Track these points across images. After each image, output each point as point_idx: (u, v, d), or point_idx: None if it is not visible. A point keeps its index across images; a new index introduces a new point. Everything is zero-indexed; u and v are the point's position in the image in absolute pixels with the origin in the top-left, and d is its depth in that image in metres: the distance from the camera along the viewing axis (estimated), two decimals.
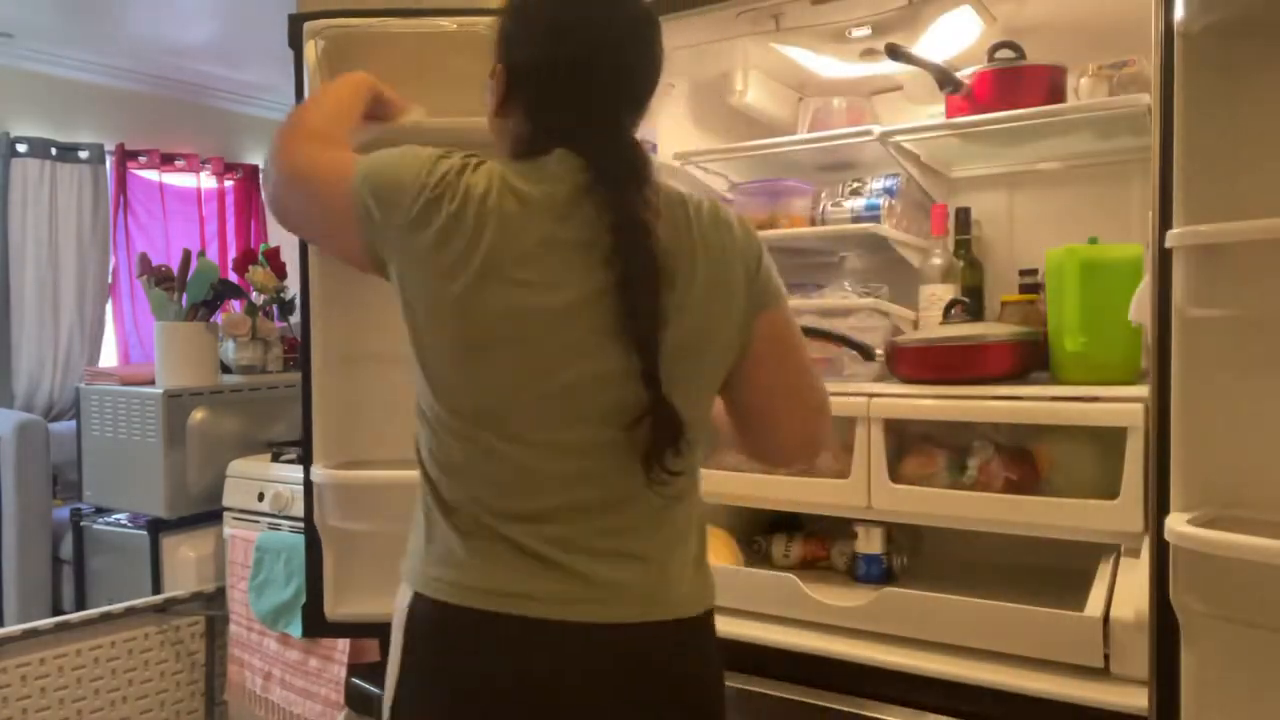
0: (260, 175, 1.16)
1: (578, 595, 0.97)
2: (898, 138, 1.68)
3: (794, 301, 1.74)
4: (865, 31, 1.65)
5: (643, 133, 1.58)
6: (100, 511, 2.83)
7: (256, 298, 2.99)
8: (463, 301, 0.95)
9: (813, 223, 1.77)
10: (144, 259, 2.85)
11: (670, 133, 1.89)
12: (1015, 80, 1.58)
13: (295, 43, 1.63)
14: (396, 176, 0.98)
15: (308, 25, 1.59)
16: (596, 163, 0.97)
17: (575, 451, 0.97)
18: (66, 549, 3.01)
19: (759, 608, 1.50)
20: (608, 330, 0.94)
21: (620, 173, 0.97)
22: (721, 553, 1.65)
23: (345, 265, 1.10)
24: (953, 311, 1.59)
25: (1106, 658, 1.24)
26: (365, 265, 1.04)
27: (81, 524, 2.86)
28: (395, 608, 1.05)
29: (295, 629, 2.26)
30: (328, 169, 1.05)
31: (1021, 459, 1.47)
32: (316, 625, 1.69)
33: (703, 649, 1.05)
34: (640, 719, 0.99)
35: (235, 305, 3.05)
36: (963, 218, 1.78)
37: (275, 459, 2.53)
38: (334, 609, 1.67)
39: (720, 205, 1.06)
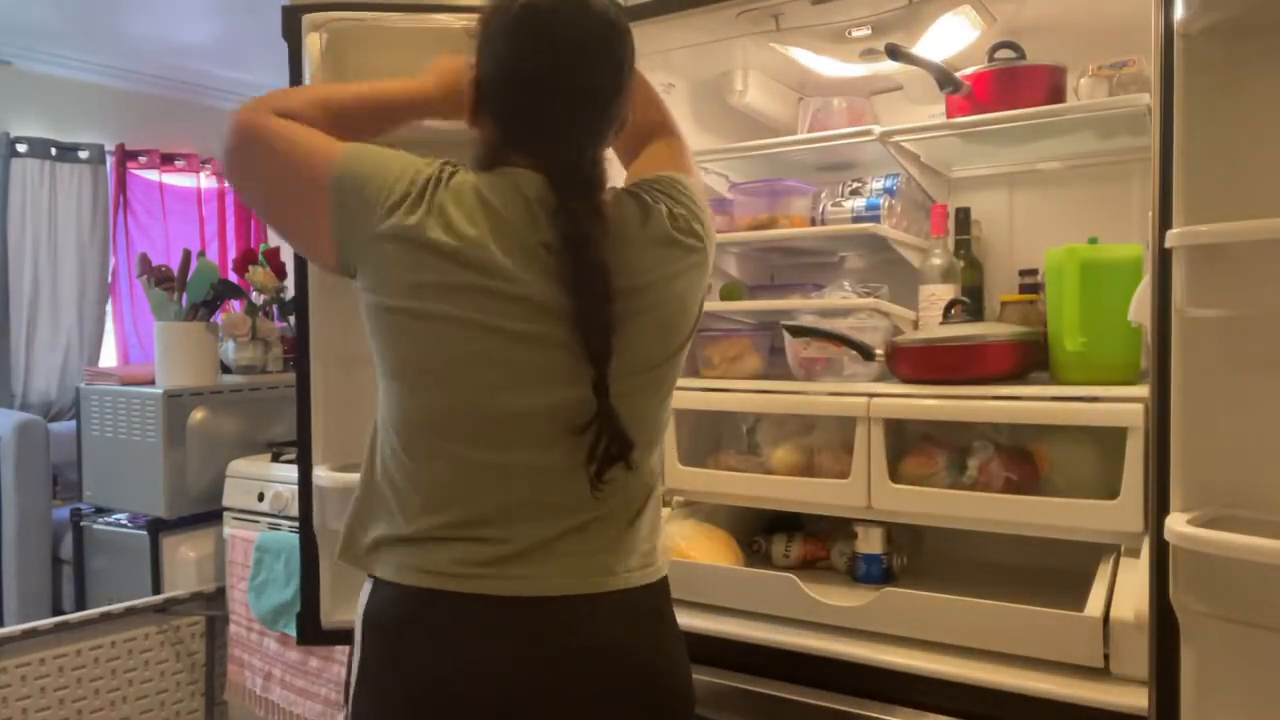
0: (226, 135, 1.03)
1: (515, 574, 1.02)
2: (898, 138, 1.68)
3: (794, 302, 1.76)
4: (865, 31, 1.65)
5: None
6: (100, 511, 2.83)
7: (256, 298, 2.99)
8: (426, 315, 0.98)
9: (813, 223, 1.77)
10: (144, 259, 2.85)
11: None
12: (1015, 80, 1.58)
13: (291, 35, 1.61)
14: (374, 178, 0.99)
15: (308, 18, 1.57)
16: (553, 171, 1.01)
17: (521, 464, 1.01)
18: (66, 549, 3.01)
19: (759, 608, 1.50)
20: (561, 350, 0.98)
21: (576, 182, 1.00)
22: (721, 553, 1.65)
23: None
24: (953, 311, 1.59)
25: (1106, 658, 1.24)
26: (330, 261, 1.04)
27: (81, 524, 2.86)
28: (356, 609, 1.09)
29: (295, 629, 2.26)
30: (309, 142, 1.02)
31: (1021, 459, 1.47)
32: (311, 633, 1.65)
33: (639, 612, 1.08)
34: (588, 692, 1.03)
35: (235, 305, 3.05)
36: (963, 218, 1.78)
37: (275, 459, 2.53)
38: (330, 616, 1.65)
39: (678, 215, 1.08)
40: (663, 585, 1.13)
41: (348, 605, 1.65)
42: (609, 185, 1.07)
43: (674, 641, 1.12)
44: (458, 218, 0.98)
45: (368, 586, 1.08)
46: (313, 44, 1.57)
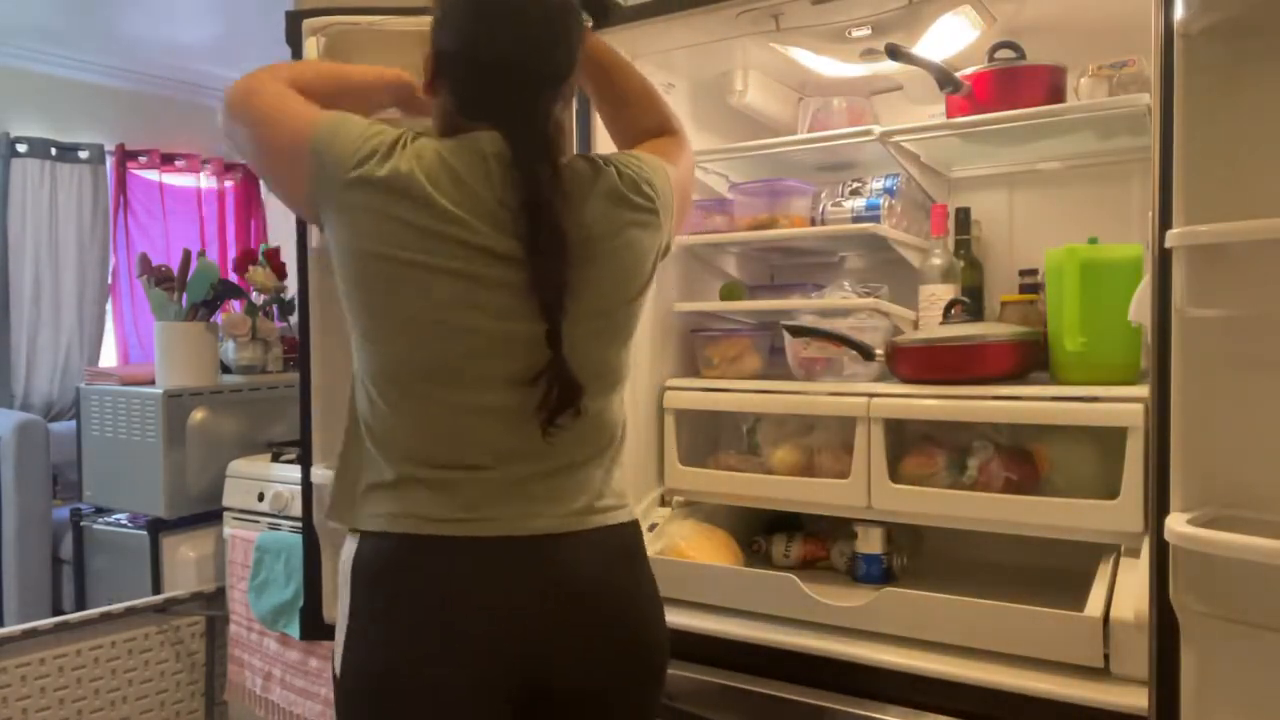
0: (233, 88, 1.15)
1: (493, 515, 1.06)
2: (898, 138, 1.67)
3: (794, 302, 1.76)
4: (865, 31, 1.65)
5: None
6: (100, 511, 2.83)
7: (256, 298, 2.99)
8: (391, 259, 1.03)
9: (813, 223, 1.77)
10: (144, 259, 2.85)
11: None
12: (1015, 80, 1.58)
13: (293, 40, 1.62)
14: (347, 137, 1.06)
15: (307, 22, 1.58)
16: (511, 140, 1.06)
17: (490, 407, 1.06)
18: (66, 549, 3.01)
19: (759, 608, 1.50)
20: (519, 295, 1.03)
21: (533, 151, 1.05)
22: (721, 553, 1.65)
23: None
24: (953, 311, 1.59)
25: (1106, 658, 1.24)
26: (304, 210, 1.13)
27: (81, 524, 2.86)
28: (339, 565, 1.11)
29: (295, 629, 2.26)
30: (295, 112, 1.10)
31: (1021, 459, 1.47)
32: (314, 628, 1.69)
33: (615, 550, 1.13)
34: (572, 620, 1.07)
35: (235, 305, 3.05)
36: (963, 218, 1.78)
37: (275, 459, 2.53)
38: (332, 611, 1.67)
39: (625, 175, 1.13)
40: (636, 526, 1.17)
41: None
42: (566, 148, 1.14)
43: (650, 579, 1.17)
44: (419, 171, 1.03)
45: (351, 542, 1.10)
46: (309, 49, 1.58)
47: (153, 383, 2.64)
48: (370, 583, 1.06)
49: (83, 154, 3.99)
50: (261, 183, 4.65)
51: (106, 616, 2.36)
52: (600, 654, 1.09)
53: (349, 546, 1.10)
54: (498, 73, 1.08)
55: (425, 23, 1.55)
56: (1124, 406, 1.33)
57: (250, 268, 2.96)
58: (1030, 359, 1.50)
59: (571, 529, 1.08)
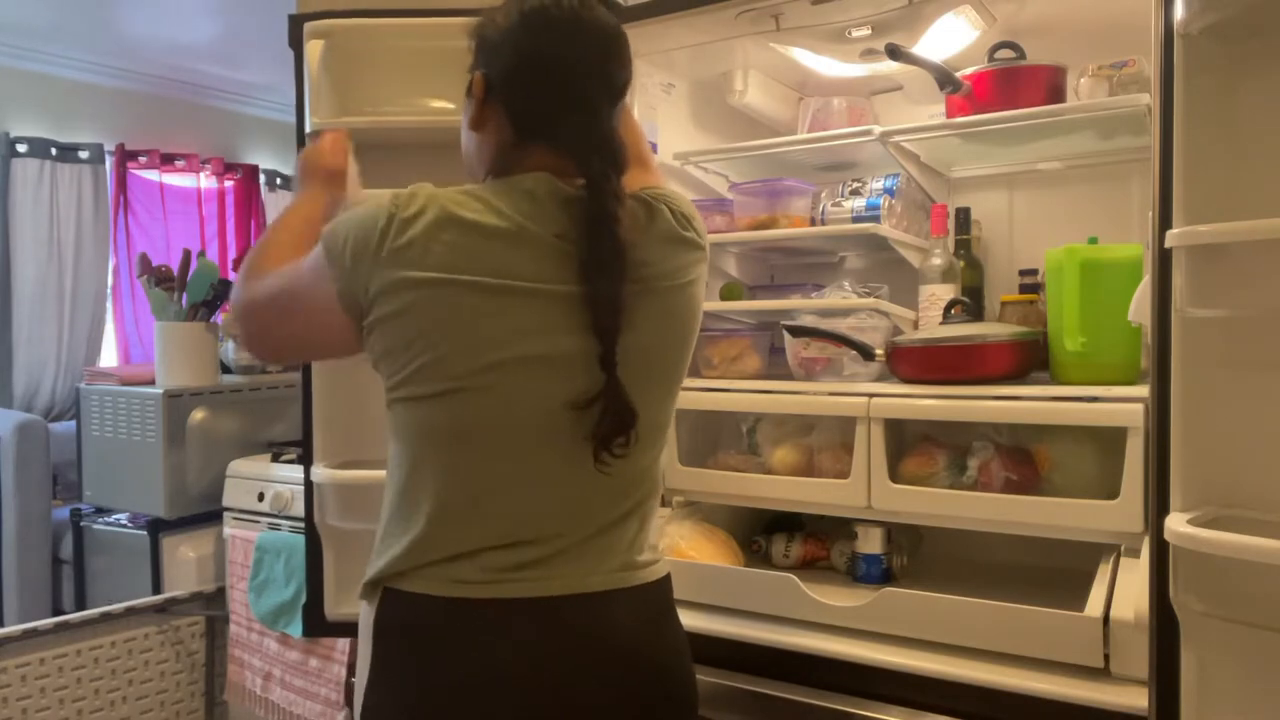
0: (238, 324, 1.15)
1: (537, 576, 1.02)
2: (898, 138, 1.68)
3: (794, 302, 1.76)
4: (865, 31, 1.65)
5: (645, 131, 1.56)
6: (100, 511, 2.83)
7: None
8: (449, 323, 0.98)
9: (813, 223, 1.77)
10: (144, 259, 2.85)
11: (670, 133, 1.89)
12: (1015, 80, 1.58)
13: (295, 43, 1.62)
14: (360, 222, 1.00)
15: (308, 26, 1.59)
16: (576, 154, 1.02)
17: (548, 462, 1.02)
18: (66, 549, 3.02)
19: (759, 608, 1.50)
20: (574, 323, 0.99)
21: (603, 162, 1.01)
22: (721, 553, 1.65)
23: None
24: (953, 311, 1.59)
25: (1106, 658, 1.24)
26: (344, 328, 1.03)
27: (81, 524, 2.86)
28: (361, 621, 1.07)
29: (295, 629, 2.26)
30: (288, 268, 1.08)
31: (1021, 459, 1.47)
32: (317, 625, 1.69)
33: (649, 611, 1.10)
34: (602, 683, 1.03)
35: None
36: (963, 218, 1.78)
37: (275, 459, 2.54)
38: (334, 608, 1.67)
39: (677, 212, 1.10)
40: (669, 581, 1.15)
41: (351, 598, 1.67)
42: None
43: (684, 638, 1.15)
44: (465, 218, 0.98)
45: (376, 598, 1.05)
46: (312, 52, 1.58)
47: (153, 383, 2.65)
48: (400, 638, 1.02)
49: (83, 154, 4.00)
50: (263, 182, 4.65)
51: (106, 616, 2.36)
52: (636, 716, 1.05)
53: (372, 604, 1.05)
54: (568, 73, 1.04)
55: (426, 25, 1.55)
56: (1124, 406, 1.33)
57: None
58: (1030, 359, 1.50)
59: (613, 586, 1.05)
